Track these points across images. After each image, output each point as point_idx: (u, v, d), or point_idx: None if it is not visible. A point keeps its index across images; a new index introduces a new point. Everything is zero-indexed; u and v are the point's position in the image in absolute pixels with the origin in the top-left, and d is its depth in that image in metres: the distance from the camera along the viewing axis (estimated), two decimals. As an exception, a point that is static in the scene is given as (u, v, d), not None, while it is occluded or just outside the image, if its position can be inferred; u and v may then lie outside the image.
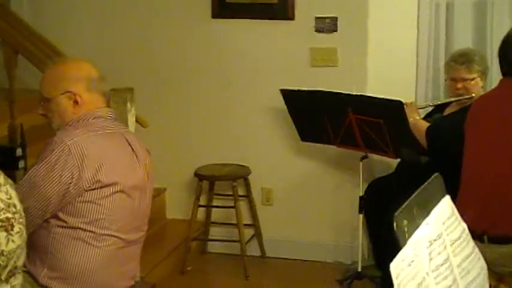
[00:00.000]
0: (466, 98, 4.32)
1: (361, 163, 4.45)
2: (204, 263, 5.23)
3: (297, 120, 4.66)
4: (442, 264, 2.02)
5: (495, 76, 4.37)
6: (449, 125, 4.20)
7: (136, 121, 4.55)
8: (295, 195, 5.16)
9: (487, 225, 3.14)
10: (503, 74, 3.48)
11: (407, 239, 1.91)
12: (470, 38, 5.09)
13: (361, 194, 4.50)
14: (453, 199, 2.23)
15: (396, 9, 4.96)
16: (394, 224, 2.11)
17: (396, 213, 2.11)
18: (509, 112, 3.41)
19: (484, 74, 4.40)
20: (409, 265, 1.86)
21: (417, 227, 1.98)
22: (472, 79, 4.35)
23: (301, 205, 5.15)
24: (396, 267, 1.80)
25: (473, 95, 4.28)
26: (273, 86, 4.74)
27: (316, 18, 4.92)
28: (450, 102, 4.49)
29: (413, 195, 2.30)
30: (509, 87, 3.48)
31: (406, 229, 2.09)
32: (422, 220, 2.02)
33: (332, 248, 5.04)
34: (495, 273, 3.13)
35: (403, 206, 2.21)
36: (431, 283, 1.94)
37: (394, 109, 4.10)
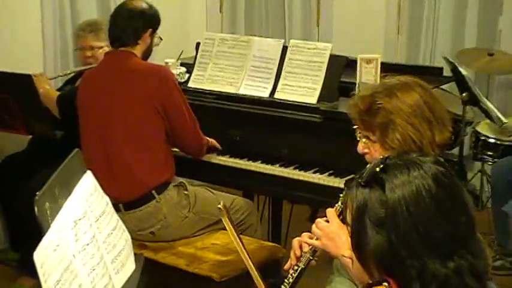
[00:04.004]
0: (95, 67, 4.26)
1: (-10, 142, 4.23)
2: None
3: None
4: (88, 244, 1.97)
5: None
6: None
7: None
8: None
9: (117, 194, 3.18)
10: (111, 43, 3.67)
11: (51, 223, 1.80)
12: (95, 9, 5.13)
13: (-9, 175, 4.30)
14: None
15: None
16: (36, 209, 2.00)
17: (36, 197, 2.00)
18: (113, 83, 3.52)
19: None
20: (55, 250, 1.77)
21: (60, 208, 1.87)
22: (101, 47, 4.35)
23: None
24: (40, 255, 1.70)
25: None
26: None
27: None
28: (81, 73, 4.36)
29: (54, 175, 2.21)
30: (112, 59, 3.65)
31: (48, 212, 1.99)
32: (65, 200, 1.92)
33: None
34: (137, 241, 3.16)
35: (44, 188, 2.11)
36: (79, 265, 1.87)
37: (22, 83, 3.98)
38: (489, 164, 4.72)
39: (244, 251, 2.37)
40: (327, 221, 2.28)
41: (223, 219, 2.35)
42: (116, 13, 3.64)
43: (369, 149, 2.43)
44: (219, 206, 2.35)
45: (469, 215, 1.71)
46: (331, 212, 2.29)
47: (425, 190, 1.67)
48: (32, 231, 2.04)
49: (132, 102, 3.44)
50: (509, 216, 3.94)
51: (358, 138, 2.48)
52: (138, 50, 3.58)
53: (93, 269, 1.94)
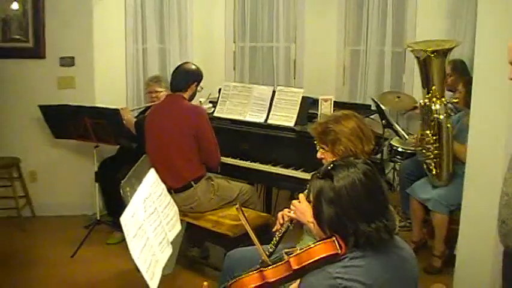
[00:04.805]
0: (159, 103, 4.20)
1: (94, 150, 4.21)
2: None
3: (51, 124, 4.28)
4: (152, 213, 1.98)
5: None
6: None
7: None
8: (52, 173, 4.74)
9: (170, 183, 3.14)
10: (171, 89, 3.62)
11: (129, 200, 1.81)
12: (157, 68, 5.11)
13: (95, 170, 4.27)
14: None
15: (109, 51, 4.75)
16: (121, 191, 2.03)
17: (122, 184, 2.03)
18: (169, 115, 3.49)
19: (168, 89, 4.31)
20: (132, 216, 1.78)
21: (135, 191, 1.88)
22: (161, 92, 4.32)
23: (57, 179, 4.75)
24: (124, 219, 1.71)
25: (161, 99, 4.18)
26: (35, 102, 4.30)
27: (60, 57, 4.57)
28: (149, 107, 4.33)
29: (131, 170, 2.24)
30: (170, 99, 3.60)
31: (129, 194, 2.00)
32: (138, 186, 1.93)
33: (79, 205, 4.71)
34: (182, 212, 3.12)
35: (126, 178, 2.14)
36: (147, 225, 1.88)
37: (113, 114, 3.96)
38: (398, 164, 4.72)
39: (250, 229, 2.27)
40: (299, 201, 2.28)
41: (238, 214, 2.27)
42: (176, 71, 3.61)
43: (324, 155, 2.43)
44: (236, 206, 2.31)
45: (385, 195, 1.72)
46: (301, 196, 2.29)
47: (358, 180, 1.68)
48: (119, 204, 2.06)
49: (181, 128, 3.41)
50: (409, 196, 3.94)
51: (317, 149, 2.48)
52: (187, 95, 3.54)
53: (156, 228, 1.95)
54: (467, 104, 3.44)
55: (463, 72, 4.11)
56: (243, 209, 2.24)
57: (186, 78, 3.54)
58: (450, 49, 3.50)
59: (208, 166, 3.58)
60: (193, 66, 3.63)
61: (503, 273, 2.22)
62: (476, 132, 3.08)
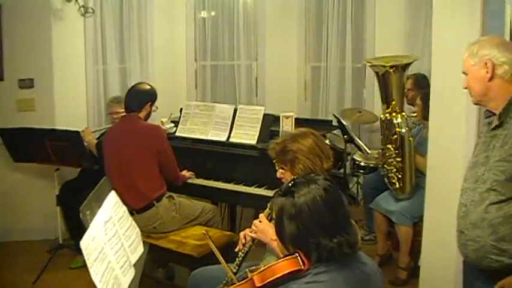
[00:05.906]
0: (107, 127, 4.15)
1: (55, 173, 4.14)
2: None
3: (11, 148, 4.16)
4: (113, 235, 1.95)
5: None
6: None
7: None
8: (12, 197, 4.59)
9: (131, 204, 3.12)
10: (125, 109, 3.53)
11: (90, 223, 1.78)
12: (118, 89, 5.02)
13: (57, 193, 4.19)
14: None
15: (69, 72, 4.68)
16: (81, 215, 1.99)
17: (81, 207, 1.99)
18: (126, 136, 3.43)
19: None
20: (93, 240, 1.75)
21: (95, 214, 1.85)
22: (122, 112, 4.00)
23: (17, 204, 4.60)
24: (84, 243, 1.68)
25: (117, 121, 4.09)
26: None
27: (19, 79, 4.47)
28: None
29: (91, 193, 2.20)
30: (126, 120, 3.52)
31: (89, 217, 1.97)
32: (98, 209, 1.89)
33: (41, 230, 4.59)
34: (144, 233, 3.08)
35: (85, 202, 2.10)
36: (108, 249, 1.85)
37: (74, 136, 3.90)
38: (361, 178, 4.79)
39: (218, 253, 2.25)
40: (260, 221, 2.27)
41: (207, 240, 2.22)
42: (129, 91, 3.57)
43: (284, 175, 2.43)
44: (204, 232, 2.28)
45: (345, 210, 1.74)
46: (262, 215, 2.29)
47: (319, 196, 1.69)
48: (82, 227, 2.02)
49: (140, 148, 3.37)
50: (373, 210, 3.99)
51: (277, 168, 2.47)
52: (142, 115, 3.49)
53: (117, 251, 1.91)
54: (425, 117, 3.53)
55: (423, 86, 4.23)
56: (207, 229, 2.23)
57: (140, 98, 3.49)
58: (408, 64, 3.59)
59: (172, 182, 3.56)
60: (147, 86, 3.58)
61: (463, 282, 2.27)
62: (434, 144, 3.16)
